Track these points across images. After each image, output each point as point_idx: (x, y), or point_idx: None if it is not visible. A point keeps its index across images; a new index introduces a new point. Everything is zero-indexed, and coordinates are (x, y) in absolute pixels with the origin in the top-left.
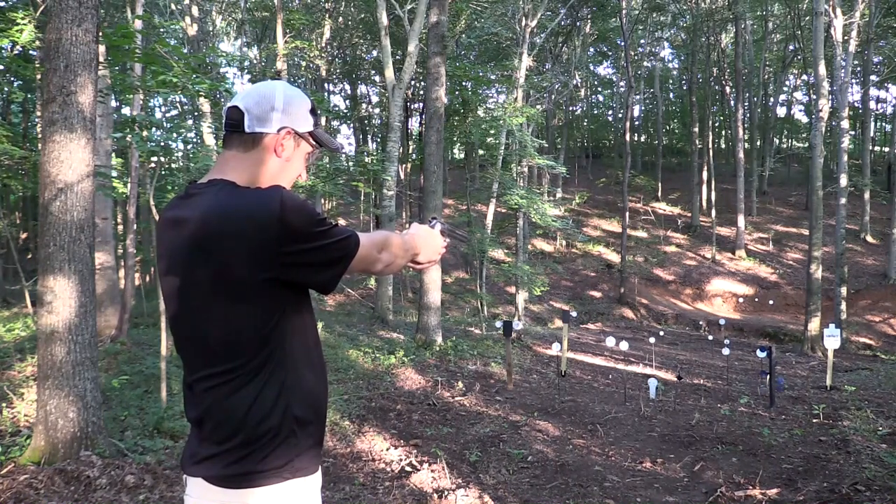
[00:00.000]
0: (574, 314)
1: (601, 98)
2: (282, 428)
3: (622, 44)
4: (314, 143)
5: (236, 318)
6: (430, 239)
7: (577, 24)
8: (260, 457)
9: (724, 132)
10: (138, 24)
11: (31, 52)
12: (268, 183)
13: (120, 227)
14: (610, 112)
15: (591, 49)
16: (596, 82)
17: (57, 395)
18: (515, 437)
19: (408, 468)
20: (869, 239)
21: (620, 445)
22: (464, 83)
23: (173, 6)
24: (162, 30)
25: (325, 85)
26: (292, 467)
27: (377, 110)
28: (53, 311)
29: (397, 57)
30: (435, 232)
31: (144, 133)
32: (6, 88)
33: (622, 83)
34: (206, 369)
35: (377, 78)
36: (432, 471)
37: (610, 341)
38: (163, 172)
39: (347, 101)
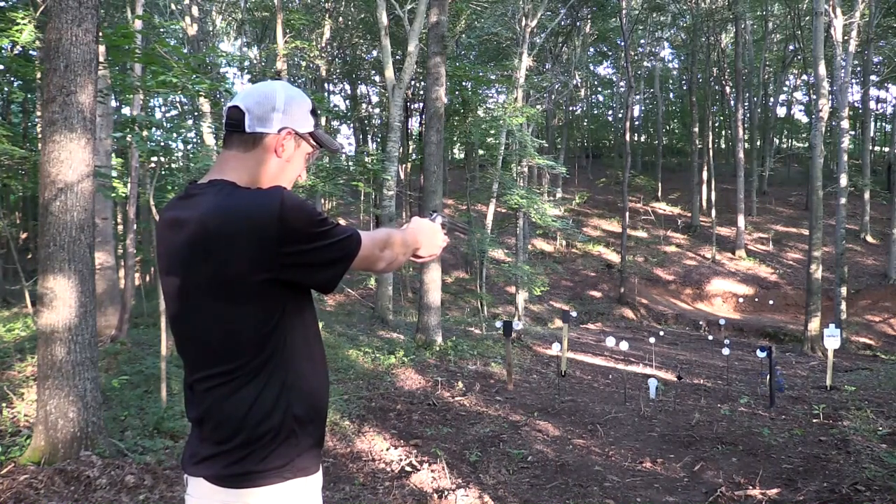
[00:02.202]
0: (574, 314)
1: (601, 98)
2: (282, 428)
3: (622, 44)
4: (314, 143)
5: (236, 318)
6: (430, 232)
7: (577, 24)
8: (261, 456)
9: (724, 132)
10: (138, 24)
11: (31, 52)
12: (268, 183)
13: (120, 227)
14: (610, 112)
15: (591, 49)
16: (596, 82)
17: (57, 395)
18: (515, 437)
19: (408, 468)
20: (869, 239)
21: (620, 445)
22: (464, 83)
23: (173, 6)
24: (162, 30)
25: (325, 85)
26: (293, 467)
27: (377, 110)
28: (53, 310)
29: (397, 57)
30: (435, 225)
31: (144, 133)
32: (6, 88)
33: (622, 83)
34: (207, 369)
35: (377, 78)
36: (432, 471)
37: (610, 341)
38: (163, 172)
39: (347, 101)
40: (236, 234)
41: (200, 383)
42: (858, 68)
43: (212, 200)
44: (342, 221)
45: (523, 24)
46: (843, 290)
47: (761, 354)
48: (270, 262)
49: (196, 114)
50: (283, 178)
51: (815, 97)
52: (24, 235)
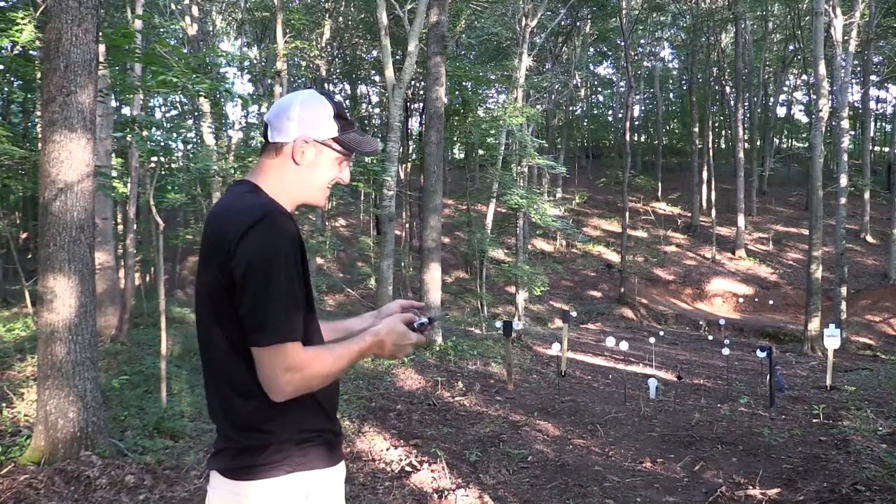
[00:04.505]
0: (574, 314)
1: (601, 98)
2: (286, 429)
3: (622, 44)
4: (339, 148)
5: (231, 318)
6: (399, 340)
7: (577, 24)
8: (262, 451)
9: (724, 132)
10: (138, 24)
11: (31, 52)
12: (292, 187)
13: (120, 227)
14: (610, 112)
15: (591, 49)
16: (596, 82)
17: (57, 395)
18: (515, 437)
19: (408, 468)
20: (869, 239)
21: (620, 445)
22: (464, 83)
23: (173, 6)
24: (162, 30)
25: (325, 85)
26: (293, 461)
27: (377, 110)
28: (53, 310)
29: (397, 57)
30: (407, 333)
31: (144, 133)
32: (6, 88)
33: (622, 83)
34: (215, 368)
35: (377, 78)
36: (432, 471)
37: (610, 341)
38: (163, 172)
39: (347, 101)
40: (223, 236)
41: (212, 382)
42: (858, 68)
43: (225, 199)
44: (342, 221)
45: (523, 24)
46: (843, 290)
47: (761, 354)
48: (231, 273)
49: (196, 114)
50: (309, 183)
51: (815, 97)
52: (24, 235)
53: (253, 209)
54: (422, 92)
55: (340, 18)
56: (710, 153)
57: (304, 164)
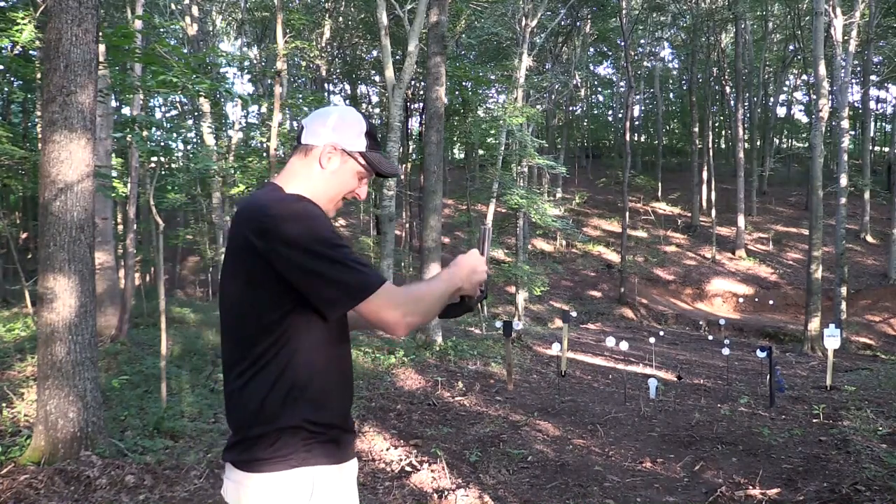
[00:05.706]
0: (574, 314)
1: (601, 98)
2: (294, 420)
3: (622, 44)
4: (364, 163)
5: (245, 303)
6: (471, 267)
7: (577, 24)
8: (267, 444)
9: (724, 132)
10: (138, 24)
11: (31, 52)
12: (312, 188)
13: (120, 227)
14: (610, 112)
15: (591, 49)
16: (596, 82)
17: (57, 395)
18: (515, 437)
19: (408, 468)
20: (869, 239)
21: (620, 445)
22: (464, 83)
23: (173, 6)
24: (162, 30)
25: (325, 85)
26: (298, 456)
27: (377, 110)
28: (53, 310)
29: (397, 57)
30: (474, 257)
31: (144, 133)
32: (6, 88)
33: (622, 83)
34: (226, 361)
35: (377, 78)
36: (432, 471)
37: (610, 341)
38: (163, 172)
39: (347, 101)
40: (247, 228)
41: (225, 377)
42: (858, 68)
43: (248, 198)
44: (342, 221)
45: (523, 24)
46: (843, 290)
47: (761, 354)
48: (261, 256)
49: (196, 114)
50: (328, 189)
51: (815, 97)
52: (24, 235)
53: (275, 202)
54: (422, 92)
55: (340, 18)
56: (710, 153)
57: (328, 170)
